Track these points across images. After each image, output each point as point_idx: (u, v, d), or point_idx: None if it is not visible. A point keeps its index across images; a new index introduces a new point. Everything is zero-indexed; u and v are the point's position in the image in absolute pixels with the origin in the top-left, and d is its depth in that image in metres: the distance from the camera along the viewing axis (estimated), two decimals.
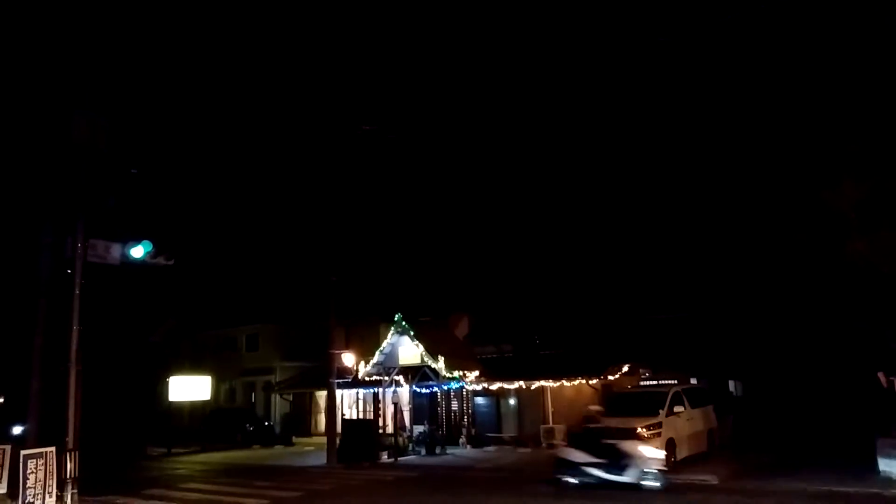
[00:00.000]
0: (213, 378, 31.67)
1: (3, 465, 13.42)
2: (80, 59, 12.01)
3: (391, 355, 22.65)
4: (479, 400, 24.47)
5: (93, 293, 11.71)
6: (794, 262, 17.76)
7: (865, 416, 16.99)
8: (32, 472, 10.90)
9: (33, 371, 14.29)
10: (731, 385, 23.34)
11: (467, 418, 24.57)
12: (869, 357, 16.88)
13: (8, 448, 14.09)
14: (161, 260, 12.36)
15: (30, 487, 10.80)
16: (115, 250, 11.98)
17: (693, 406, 17.16)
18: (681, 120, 22.78)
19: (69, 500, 10.87)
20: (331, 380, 21.42)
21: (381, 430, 22.89)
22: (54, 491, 11.08)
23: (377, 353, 22.91)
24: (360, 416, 28.39)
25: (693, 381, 20.77)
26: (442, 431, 23.93)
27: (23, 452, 11.04)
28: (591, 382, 21.02)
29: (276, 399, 32.55)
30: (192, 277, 32.79)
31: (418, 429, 23.79)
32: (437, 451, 21.79)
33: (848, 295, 17.06)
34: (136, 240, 12.09)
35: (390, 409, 22.79)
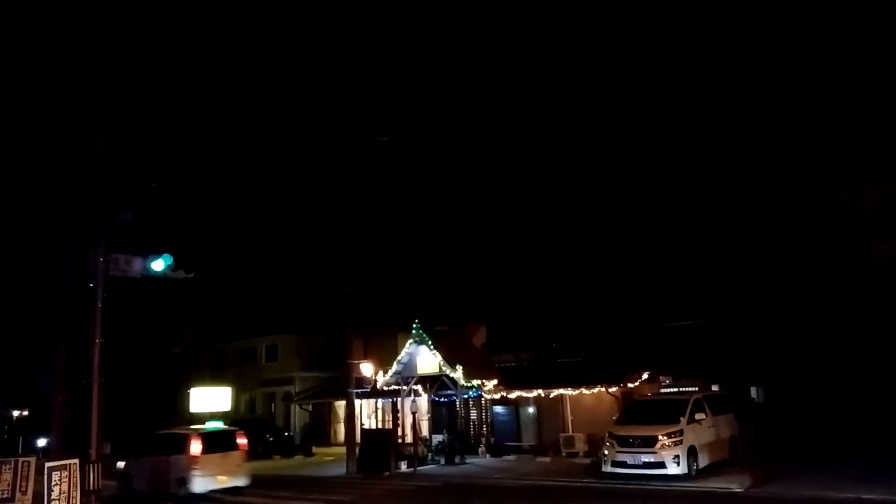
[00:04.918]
0: (233, 389, 31.93)
1: (27, 477, 13.60)
2: (100, 74, 12.19)
3: (409, 364, 22.64)
4: (498, 409, 24.37)
5: (114, 306, 11.85)
6: (815, 266, 17.55)
7: (891, 421, 16.69)
8: (57, 484, 11.00)
9: (56, 384, 14.50)
10: (753, 391, 23.04)
11: (486, 427, 24.47)
12: (893, 361, 16.61)
13: (33, 460, 14.29)
14: (181, 273, 12.51)
15: (54, 499, 10.90)
16: (136, 264, 12.15)
17: (714, 413, 16.95)
18: (700, 125, 22.67)
19: None
20: (349, 390, 21.46)
21: (400, 440, 22.87)
22: (78, 502, 11.18)
23: (395, 362, 22.91)
24: (379, 426, 28.42)
25: (714, 387, 20.53)
26: (461, 441, 23.85)
27: (47, 464, 11.14)
28: (610, 390, 20.86)
29: (295, 409, 32.71)
30: (212, 289, 33.13)
31: (437, 438, 23.73)
32: (457, 460, 21.71)
33: (871, 299, 16.82)
34: (157, 253, 12.24)
35: (409, 419, 22.76)
